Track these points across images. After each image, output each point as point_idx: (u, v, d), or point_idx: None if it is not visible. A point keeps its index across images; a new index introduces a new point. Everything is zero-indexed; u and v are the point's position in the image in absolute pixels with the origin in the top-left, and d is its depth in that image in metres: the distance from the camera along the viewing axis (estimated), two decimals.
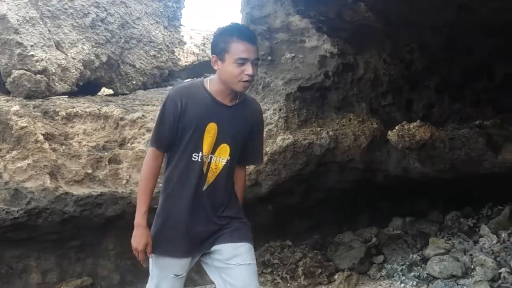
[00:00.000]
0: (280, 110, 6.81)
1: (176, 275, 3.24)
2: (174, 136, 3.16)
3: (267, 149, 6.61)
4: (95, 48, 8.47)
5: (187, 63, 11.66)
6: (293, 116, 6.81)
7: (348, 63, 6.79)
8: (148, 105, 7.73)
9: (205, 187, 3.22)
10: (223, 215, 3.29)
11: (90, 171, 6.59)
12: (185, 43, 10.96)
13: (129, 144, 6.89)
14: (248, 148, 3.43)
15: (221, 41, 3.14)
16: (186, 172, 3.19)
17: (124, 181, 6.63)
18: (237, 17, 7.82)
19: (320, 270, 6.54)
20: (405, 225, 7.44)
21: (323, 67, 6.87)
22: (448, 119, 6.67)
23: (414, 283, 6.04)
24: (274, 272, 6.61)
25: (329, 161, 6.81)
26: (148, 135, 6.87)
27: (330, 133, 6.72)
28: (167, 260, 3.22)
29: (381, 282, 6.33)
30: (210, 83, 3.24)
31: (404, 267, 6.39)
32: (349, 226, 7.56)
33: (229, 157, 3.24)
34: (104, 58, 8.63)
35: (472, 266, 5.99)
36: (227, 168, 3.27)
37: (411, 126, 6.07)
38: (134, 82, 9.30)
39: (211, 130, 3.16)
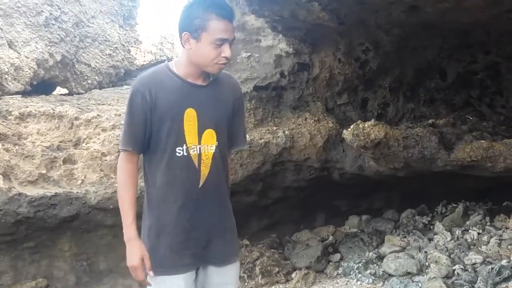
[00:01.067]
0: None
1: None
2: (148, 133, 2.83)
3: None
4: (49, 47, 8.47)
5: (145, 62, 11.68)
6: (249, 116, 6.81)
7: (304, 63, 6.88)
8: (103, 104, 7.74)
9: (201, 184, 2.88)
10: (220, 215, 3.02)
11: (44, 171, 6.63)
12: (141, 42, 10.95)
13: (84, 144, 6.90)
14: (230, 130, 3.08)
15: (197, 16, 2.75)
16: (173, 171, 2.86)
17: (79, 181, 6.68)
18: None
19: (277, 269, 6.60)
20: (361, 223, 7.55)
21: (278, 66, 6.92)
22: (403, 118, 6.80)
23: (370, 280, 6.14)
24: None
25: (285, 160, 6.87)
26: (104, 135, 6.93)
27: (286, 132, 6.77)
28: (171, 279, 2.85)
29: (338, 280, 6.40)
30: (177, 66, 2.91)
31: (360, 265, 6.47)
32: (306, 224, 7.63)
33: (217, 143, 2.91)
34: (58, 57, 8.64)
35: (427, 263, 6.12)
36: (218, 156, 2.93)
37: (366, 125, 6.17)
38: (89, 82, 9.32)
39: (190, 116, 2.84)
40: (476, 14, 4.92)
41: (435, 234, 6.89)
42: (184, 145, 2.81)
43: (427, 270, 6.03)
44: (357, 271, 6.42)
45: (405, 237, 7.00)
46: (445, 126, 6.33)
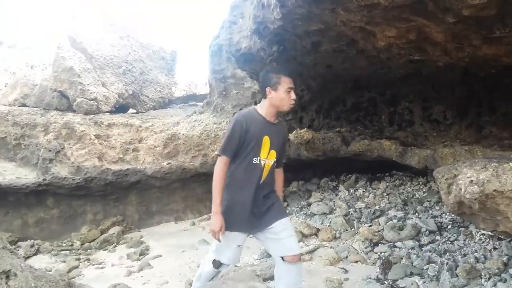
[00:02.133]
0: (229, 122, 7.10)
1: (238, 246, 2.93)
2: (239, 147, 2.80)
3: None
4: (125, 86, 8.59)
5: (180, 95, 11.86)
6: None
7: None
8: (155, 118, 7.78)
9: (261, 181, 2.88)
10: (269, 200, 2.95)
11: (121, 156, 6.83)
12: (177, 84, 11.24)
13: (144, 141, 7.13)
14: (282, 153, 3.10)
15: (273, 77, 2.88)
16: (249, 172, 2.84)
17: (141, 162, 6.84)
18: (206, 70, 8.06)
19: None
20: (299, 185, 7.61)
21: (253, 98, 7.03)
22: (322, 128, 6.75)
23: (303, 217, 6.23)
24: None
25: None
26: (155, 136, 7.09)
27: None
28: (234, 235, 2.85)
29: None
30: (261, 108, 2.92)
31: (298, 209, 6.60)
32: None
33: (275, 159, 2.93)
34: (130, 92, 8.69)
35: (334, 208, 6.23)
36: (273, 167, 2.95)
37: (302, 131, 6.27)
38: (148, 106, 9.43)
39: (266, 141, 2.85)
40: (363, 70, 4.95)
41: (339, 191, 6.94)
42: (258, 157, 2.82)
43: (334, 212, 6.12)
44: (296, 212, 6.51)
45: (323, 193, 7.06)
46: (345, 132, 6.37)
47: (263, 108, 2.92)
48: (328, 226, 5.64)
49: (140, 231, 6.59)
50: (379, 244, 4.82)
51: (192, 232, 6.38)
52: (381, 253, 4.60)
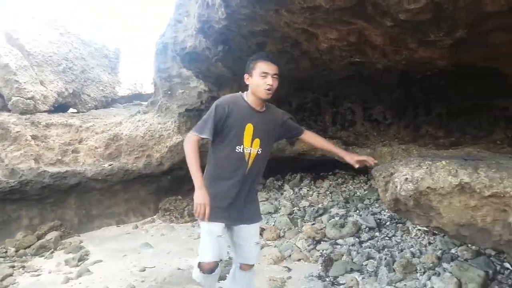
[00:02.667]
0: (175, 122, 6.90)
1: (219, 236, 2.79)
2: (216, 131, 2.73)
3: (167, 143, 6.82)
4: (65, 85, 8.26)
5: (124, 95, 11.56)
6: (182, 125, 6.85)
7: (214, 96, 6.72)
8: (97, 118, 7.53)
9: (247, 171, 2.81)
10: (251, 195, 2.93)
11: (60, 157, 6.56)
12: (121, 83, 10.96)
13: (84, 141, 6.86)
14: (286, 132, 3.11)
15: (250, 63, 2.83)
16: (233, 160, 2.76)
17: (81, 163, 6.62)
18: (151, 68, 7.90)
19: None
20: None
21: (199, 98, 6.97)
22: None
23: None
24: (171, 214, 6.82)
25: (203, 150, 6.67)
26: (96, 136, 6.87)
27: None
28: (212, 225, 2.75)
29: None
30: (246, 95, 2.87)
31: None
32: None
33: (259, 148, 2.82)
34: (70, 91, 8.38)
35: (279, 207, 6.31)
36: (259, 156, 2.84)
37: None
38: (89, 105, 9.15)
39: (249, 129, 2.76)
40: (307, 71, 5.03)
41: (284, 190, 7.01)
42: (242, 145, 2.74)
43: (279, 211, 6.20)
44: None
45: (268, 192, 7.11)
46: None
47: (248, 95, 2.86)
48: (273, 225, 5.69)
49: (79, 235, 6.34)
50: (321, 242, 4.93)
51: (135, 235, 6.23)
52: (323, 250, 4.71)
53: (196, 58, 5.60)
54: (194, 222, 6.50)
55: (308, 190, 6.87)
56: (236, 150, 2.75)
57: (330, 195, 6.54)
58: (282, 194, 6.91)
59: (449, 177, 2.94)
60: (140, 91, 12.12)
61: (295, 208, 6.20)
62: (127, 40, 16.16)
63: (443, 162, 3.05)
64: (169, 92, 7.22)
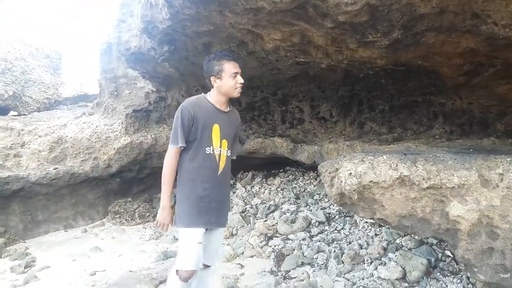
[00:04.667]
0: (122, 123, 6.78)
1: (199, 243, 2.69)
2: (190, 135, 2.66)
3: (115, 145, 6.70)
4: (5, 86, 7.99)
5: (69, 96, 11.23)
6: (130, 126, 6.73)
7: (162, 96, 6.85)
8: (40, 121, 7.27)
9: (219, 173, 2.75)
10: (224, 197, 2.88)
11: (1, 162, 6.30)
12: (65, 84, 10.61)
13: (27, 145, 6.63)
14: (234, 144, 2.97)
15: (215, 65, 2.74)
16: (204, 162, 2.69)
17: (24, 168, 6.39)
18: (96, 69, 7.71)
19: (148, 214, 6.63)
20: None
21: (147, 98, 6.86)
22: None
23: None
24: (121, 217, 6.71)
25: (152, 151, 6.84)
26: (40, 140, 6.63)
27: (152, 136, 6.77)
28: (192, 231, 2.66)
29: None
30: (210, 97, 2.80)
31: None
32: None
33: (227, 149, 2.80)
34: (10, 93, 8.12)
35: (232, 205, 6.26)
36: (228, 157, 2.83)
37: None
38: (31, 107, 8.86)
39: (216, 129, 2.72)
40: (255, 71, 5.09)
41: (237, 189, 7.06)
42: (211, 146, 2.70)
43: (232, 209, 6.17)
44: None
45: None
46: (241, 131, 6.64)
47: (212, 96, 2.81)
48: None
49: (25, 242, 6.11)
50: (273, 238, 5.02)
51: (84, 239, 6.09)
52: (275, 246, 4.81)
53: (142, 59, 5.54)
54: (145, 224, 6.45)
55: (260, 188, 6.95)
56: (206, 152, 2.70)
57: (281, 191, 6.66)
58: (234, 192, 6.94)
59: (390, 170, 3.10)
60: (86, 92, 11.80)
61: (247, 206, 6.26)
62: (72, 40, 15.67)
63: (385, 157, 3.21)
64: (115, 93, 7.08)
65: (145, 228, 6.31)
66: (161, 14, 3.95)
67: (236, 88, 2.76)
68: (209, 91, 2.89)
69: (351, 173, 3.20)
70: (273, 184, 6.97)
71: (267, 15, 3.39)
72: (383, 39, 3.39)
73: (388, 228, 4.56)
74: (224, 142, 2.79)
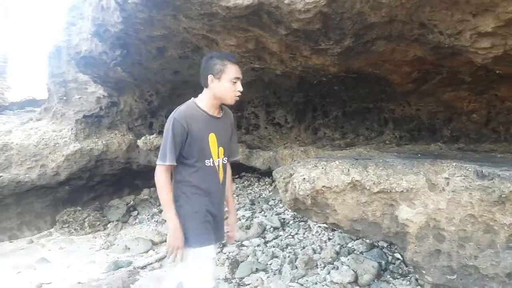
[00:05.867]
0: (72, 129, 6.57)
1: (213, 258, 2.56)
2: (184, 150, 2.44)
3: (64, 152, 6.48)
4: None
5: (15, 101, 10.78)
6: (80, 132, 6.55)
7: (114, 101, 6.73)
8: None
9: (220, 184, 2.60)
10: (223, 205, 2.70)
11: None
12: (11, 88, 10.16)
13: None
14: (231, 147, 2.73)
15: (216, 63, 2.44)
16: (206, 176, 2.50)
17: None
18: (44, 73, 7.44)
19: (98, 223, 6.46)
20: (150, 192, 7.45)
21: (98, 103, 6.70)
22: None
23: (154, 225, 6.18)
24: (70, 227, 6.49)
25: (103, 158, 6.67)
26: None
27: (104, 142, 6.61)
28: (208, 249, 2.47)
29: (136, 226, 6.37)
30: (201, 102, 2.51)
31: (149, 216, 6.52)
32: (117, 195, 7.45)
33: (223, 156, 2.60)
34: None
35: None
36: (225, 165, 2.64)
37: (151, 137, 6.24)
38: None
39: (213, 139, 2.50)
40: None
41: None
42: (211, 158, 2.50)
43: None
44: (147, 220, 6.45)
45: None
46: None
47: (204, 101, 2.52)
48: None
49: None
50: (228, 245, 5.01)
51: (30, 251, 5.84)
52: (229, 253, 4.79)
53: (93, 63, 5.42)
54: (96, 234, 6.26)
55: None
56: (206, 164, 2.50)
57: (236, 198, 6.66)
58: None
59: (342, 175, 3.16)
60: (34, 97, 11.37)
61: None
62: (21, 43, 15.11)
63: (337, 162, 3.27)
64: (65, 98, 6.87)
65: (95, 238, 6.13)
66: (113, 17, 3.88)
67: (233, 95, 2.48)
68: (198, 95, 2.60)
69: (304, 178, 3.24)
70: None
71: (221, 20, 3.39)
72: (335, 46, 3.47)
73: (341, 232, 4.65)
74: (221, 150, 2.58)
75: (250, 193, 6.78)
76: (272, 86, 5.43)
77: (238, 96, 2.51)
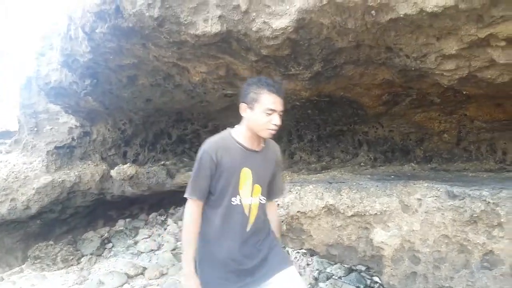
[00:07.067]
0: (43, 160, 6.44)
1: None
2: (210, 184, 2.16)
3: (34, 185, 6.34)
4: None
5: None
6: (52, 164, 6.43)
7: (86, 131, 6.66)
8: None
9: (248, 228, 2.21)
10: (263, 247, 2.27)
11: None
12: None
13: None
14: (273, 185, 2.38)
15: (252, 91, 2.14)
16: (228, 216, 2.19)
17: None
18: (16, 104, 7.33)
19: (72, 257, 6.25)
20: (126, 223, 7.32)
21: (70, 134, 6.62)
22: (148, 162, 6.82)
23: (130, 257, 5.97)
24: (42, 262, 6.27)
25: (76, 190, 6.53)
26: None
27: (76, 173, 6.46)
28: None
29: (111, 259, 6.22)
30: (237, 133, 2.21)
31: (124, 248, 6.35)
32: (91, 228, 7.27)
33: (260, 195, 2.25)
34: None
35: (162, 243, 6.13)
36: (261, 206, 2.27)
37: (124, 167, 6.19)
38: None
39: (246, 174, 2.19)
40: (183, 103, 5.14)
41: (168, 225, 6.87)
42: (238, 196, 2.17)
43: (162, 247, 6.05)
44: (122, 252, 6.29)
45: (151, 229, 6.90)
46: (171, 165, 6.50)
47: (240, 132, 2.22)
48: (156, 263, 5.54)
49: None
50: None
51: None
52: None
53: (63, 93, 5.39)
54: (69, 269, 6.07)
55: None
56: (232, 203, 2.18)
57: None
58: (165, 229, 6.77)
59: (316, 200, 3.17)
60: (8, 129, 11.19)
61: (178, 243, 6.09)
62: None
63: (311, 186, 3.28)
64: (36, 129, 6.77)
65: (68, 273, 5.93)
66: (81, 47, 3.87)
67: (267, 129, 2.13)
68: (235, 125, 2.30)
69: (279, 204, 3.24)
70: None
71: (191, 48, 3.42)
72: (305, 71, 3.53)
73: (320, 257, 4.62)
74: (257, 188, 2.24)
75: None
76: None
77: (273, 130, 2.15)
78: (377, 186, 3.04)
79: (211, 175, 2.12)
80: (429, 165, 4.33)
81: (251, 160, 2.19)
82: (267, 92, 2.11)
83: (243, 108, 2.16)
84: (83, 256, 6.36)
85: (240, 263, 2.18)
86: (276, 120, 2.11)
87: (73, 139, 6.67)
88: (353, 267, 4.27)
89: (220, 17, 2.97)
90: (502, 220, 2.51)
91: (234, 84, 4.23)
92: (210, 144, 2.15)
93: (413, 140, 4.68)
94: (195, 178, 2.13)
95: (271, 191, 2.36)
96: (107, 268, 5.85)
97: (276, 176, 2.37)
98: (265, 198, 2.27)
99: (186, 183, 6.43)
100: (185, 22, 3.04)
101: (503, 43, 2.58)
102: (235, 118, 5.98)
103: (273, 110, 2.10)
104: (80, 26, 3.61)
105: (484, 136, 4.16)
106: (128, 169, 6.21)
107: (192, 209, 2.13)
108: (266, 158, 2.26)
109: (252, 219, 2.21)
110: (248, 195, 2.19)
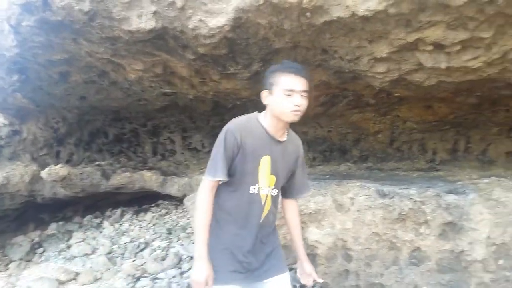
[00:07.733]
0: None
1: None
2: (230, 168, 2.07)
3: None
4: None
5: None
6: None
7: (16, 130, 6.33)
8: None
9: (262, 219, 2.17)
10: (269, 243, 2.26)
11: None
12: None
13: None
14: (295, 181, 2.31)
15: (269, 76, 2.07)
16: (245, 204, 2.13)
17: None
18: None
19: None
20: (59, 227, 6.99)
21: None
22: (82, 162, 6.59)
23: (62, 261, 5.71)
24: None
25: (3, 192, 6.13)
26: None
27: (4, 174, 6.08)
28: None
29: (42, 265, 5.86)
30: (263, 118, 2.12)
31: (56, 253, 6.07)
32: (21, 232, 6.85)
33: (274, 187, 2.17)
34: None
35: (97, 246, 5.93)
36: (274, 198, 2.21)
37: (56, 167, 5.90)
38: None
39: (265, 163, 2.11)
40: (120, 101, 5.02)
41: (104, 228, 6.69)
42: (257, 185, 2.10)
43: (97, 251, 5.84)
44: (54, 257, 6.02)
45: (86, 232, 6.64)
46: (106, 165, 6.31)
47: (265, 118, 2.12)
48: (90, 267, 5.36)
49: None
50: (141, 279, 4.81)
51: None
52: (142, 287, 4.61)
53: None
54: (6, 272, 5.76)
55: (130, 225, 6.64)
56: (250, 191, 2.12)
57: (153, 227, 6.46)
58: (101, 232, 6.55)
59: None
60: None
61: (114, 246, 5.93)
62: None
63: None
64: None
65: (10, 276, 5.64)
66: (7, 40, 3.69)
67: (290, 111, 2.02)
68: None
69: None
70: (144, 220, 6.75)
71: (125, 44, 3.35)
72: (244, 71, 3.55)
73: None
74: (272, 178, 2.16)
75: (168, 221, 6.62)
76: (188, 111, 5.42)
77: (297, 111, 2.02)
78: (313, 185, 3.11)
79: (233, 157, 2.04)
80: (364, 164, 4.49)
81: (273, 148, 2.12)
82: (285, 73, 2.03)
83: (264, 96, 2.10)
84: (11, 261, 6.03)
85: (250, 253, 2.15)
86: (297, 100, 2.00)
87: (1, 138, 6.32)
88: (289, 266, 4.35)
89: (155, 13, 2.92)
90: (428, 218, 2.65)
91: (172, 83, 4.19)
92: (235, 124, 2.07)
93: (350, 140, 4.83)
94: (215, 158, 2.05)
95: (293, 187, 2.32)
96: (37, 274, 5.56)
97: (297, 171, 2.30)
98: (277, 191, 2.21)
99: (122, 185, 6.26)
100: (118, 17, 2.96)
101: (430, 47, 2.72)
102: (175, 117, 5.92)
103: (292, 91, 2.00)
104: (5, 18, 3.43)
105: (416, 137, 4.37)
106: (60, 169, 5.97)
107: (210, 190, 2.07)
108: (286, 150, 2.19)
109: (266, 210, 2.17)
110: (266, 185, 2.13)
